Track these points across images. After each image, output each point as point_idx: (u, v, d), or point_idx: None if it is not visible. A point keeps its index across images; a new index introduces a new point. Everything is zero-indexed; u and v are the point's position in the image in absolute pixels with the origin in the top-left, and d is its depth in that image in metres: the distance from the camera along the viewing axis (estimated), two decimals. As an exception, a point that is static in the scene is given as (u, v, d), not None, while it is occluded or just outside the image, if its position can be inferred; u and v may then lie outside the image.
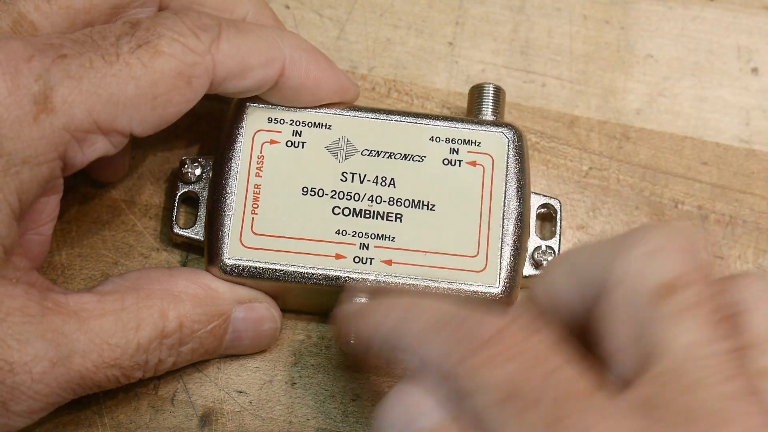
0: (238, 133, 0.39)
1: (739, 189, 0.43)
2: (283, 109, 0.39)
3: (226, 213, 0.38)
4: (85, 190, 0.42)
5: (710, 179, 0.43)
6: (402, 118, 0.39)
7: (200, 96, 0.36)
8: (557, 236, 0.41)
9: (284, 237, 0.38)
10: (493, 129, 0.40)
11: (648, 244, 0.31)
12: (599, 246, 0.32)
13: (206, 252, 0.38)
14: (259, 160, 0.39)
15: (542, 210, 0.41)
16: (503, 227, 0.39)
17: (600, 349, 0.31)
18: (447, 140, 0.39)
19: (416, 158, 0.39)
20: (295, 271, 0.37)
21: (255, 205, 0.38)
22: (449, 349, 0.30)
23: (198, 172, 0.40)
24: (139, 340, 0.36)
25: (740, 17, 0.46)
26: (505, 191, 0.39)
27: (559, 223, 0.41)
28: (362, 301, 0.36)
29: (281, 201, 0.38)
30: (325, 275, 0.38)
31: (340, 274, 0.38)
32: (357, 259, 0.38)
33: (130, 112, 0.35)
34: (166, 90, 0.35)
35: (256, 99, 0.39)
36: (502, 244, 0.38)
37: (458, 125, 0.39)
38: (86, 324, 0.35)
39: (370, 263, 0.38)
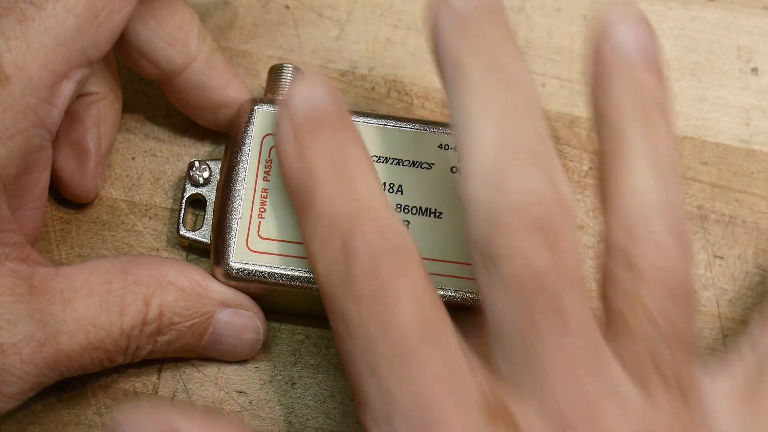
0: (247, 137, 0.39)
1: (739, 189, 0.43)
2: None
3: (233, 216, 0.38)
4: (85, 190, 0.42)
5: (710, 179, 0.43)
6: (411, 125, 0.39)
7: None
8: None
9: (291, 242, 0.38)
10: None
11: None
12: None
13: (212, 255, 0.38)
14: (267, 164, 0.38)
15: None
16: None
17: None
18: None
19: (424, 165, 0.39)
20: (301, 276, 0.37)
21: (262, 210, 0.38)
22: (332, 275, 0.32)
23: (206, 174, 0.40)
24: (123, 324, 0.36)
25: (740, 17, 0.46)
26: None
27: None
28: None
29: (289, 206, 0.38)
30: None
31: None
32: None
33: (80, 44, 0.35)
34: (105, 2, 0.35)
35: (265, 101, 0.39)
36: None
37: None
38: (71, 304, 0.35)
39: None
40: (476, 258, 0.32)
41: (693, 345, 0.32)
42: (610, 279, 0.32)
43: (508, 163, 0.31)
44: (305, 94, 0.35)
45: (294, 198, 0.34)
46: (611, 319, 0.32)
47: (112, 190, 0.42)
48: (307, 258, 0.33)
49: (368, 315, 0.31)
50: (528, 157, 0.31)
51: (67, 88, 0.35)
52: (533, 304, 0.30)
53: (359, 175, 0.33)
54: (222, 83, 0.40)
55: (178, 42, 0.39)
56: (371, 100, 0.44)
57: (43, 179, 0.37)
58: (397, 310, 0.31)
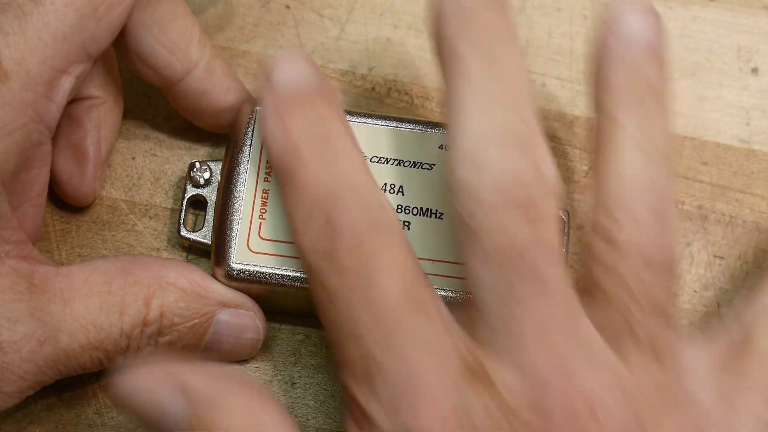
0: (247, 138, 0.39)
1: (739, 189, 0.43)
2: None
3: (234, 217, 0.38)
4: (85, 190, 0.42)
5: (710, 179, 0.43)
6: (411, 126, 0.39)
7: None
8: (566, 247, 0.40)
9: (292, 243, 0.38)
10: None
11: None
12: None
13: (213, 256, 0.38)
14: (268, 165, 0.38)
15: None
16: None
17: None
18: None
19: (425, 166, 0.39)
20: (302, 277, 0.37)
21: (263, 211, 0.38)
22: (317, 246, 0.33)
23: (207, 175, 0.40)
24: (123, 325, 0.36)
25: (740, 17, 0.46)
26: None
27: (567, 236, 0.40)
28: None
29: None
30: None
31: None
32: None
33: (79, 39, 0.35)
34: None
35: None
36: None
37: None
38: (71, 304, 0.35)
39: None
40: (458, 232, 0.33)
41: (670, 313, 0.33)
42: (589, 252, 0.34)
43: (492, 145, 0.32)
44: (288, 68, 0.35)
45: (277, 174, 0.35)
46: (589, 289, 0.33)
47: (112, 190, 0.42)
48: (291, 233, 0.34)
49: (352, 287, 0.32)
50: (512, 140, 0.32)
51: (66, 83, 0.35)
52: (512, 271, 0.31)
53: (342, 151, 0.34)
54: (222, 89, 0.40)
55: (180, 50, 0.39)
56: (371, 100, 0.44)
57: (42, 175, 0.37)
58: (381, 281, 0.32)
